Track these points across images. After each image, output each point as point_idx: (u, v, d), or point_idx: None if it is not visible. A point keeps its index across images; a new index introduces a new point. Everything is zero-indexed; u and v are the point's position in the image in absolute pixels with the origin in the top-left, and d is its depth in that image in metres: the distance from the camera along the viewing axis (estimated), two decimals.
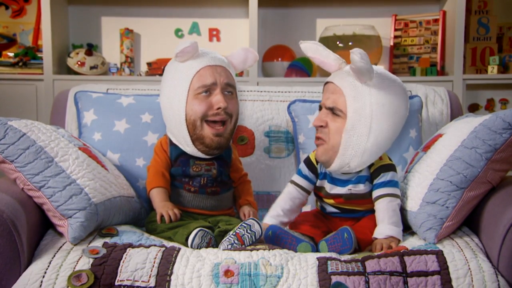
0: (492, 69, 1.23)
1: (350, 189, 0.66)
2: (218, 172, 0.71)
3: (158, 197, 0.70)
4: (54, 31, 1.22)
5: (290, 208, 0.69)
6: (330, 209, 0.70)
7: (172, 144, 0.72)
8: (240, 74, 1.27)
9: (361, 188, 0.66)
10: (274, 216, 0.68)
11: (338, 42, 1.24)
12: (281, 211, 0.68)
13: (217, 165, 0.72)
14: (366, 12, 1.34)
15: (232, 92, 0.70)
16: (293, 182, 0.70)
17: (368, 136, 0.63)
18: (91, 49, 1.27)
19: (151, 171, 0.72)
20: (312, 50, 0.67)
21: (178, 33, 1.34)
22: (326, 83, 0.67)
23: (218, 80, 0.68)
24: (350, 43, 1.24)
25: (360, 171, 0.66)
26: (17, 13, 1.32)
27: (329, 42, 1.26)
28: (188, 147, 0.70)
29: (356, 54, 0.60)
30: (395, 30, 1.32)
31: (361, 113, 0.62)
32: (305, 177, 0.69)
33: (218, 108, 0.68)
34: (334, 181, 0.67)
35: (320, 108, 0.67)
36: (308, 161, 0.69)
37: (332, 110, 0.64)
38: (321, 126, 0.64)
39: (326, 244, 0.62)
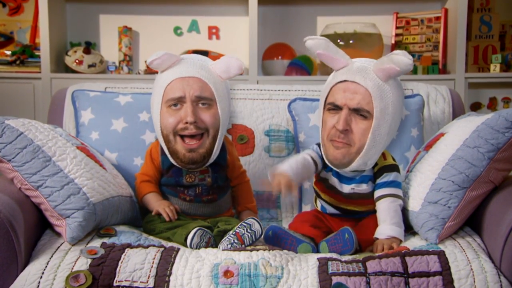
0: (495, 68, 1.22)
1: (353, 189, 0.65)
2: (213, 179, 0.70)
3: (153, 198, 0.70)
4: (52, 29, 1.21)
5: (301, 171, 0.63)
6: (331, 210, 0.68)
7: (163, 153, 0.70)
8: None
9: (364, 187, 0.65)
10: (289, 169, 0.61)
11: (339, 40, 1.23)
12: (296, 169, 0.62)
13: (211, 172, 0.70)
14: (367, 9, 1.32)
15: (209, 104, 0.67)
16: (307, 153, 0.66)
17: (388, 134, 0.62)
18: (89, 47, 1.26)
19: (139, 179, 0.72)
20: (322, 46, 0.63)
21: (177, 31, 1.33)
22: (343, 81, 0.63)
23: (187, 93, 0.66)
24: (351, 41, 1.23)
25: (364, 170, 0.65)
26: (14, 10, 1.31)
27: (329, 40, 1.25)
28: (171, 159, 0.69)
29: (408, 56, 0.59)
30: (397, 28, 1.31)
31: (385, 113, 0.61)
32: (320, 156, 0.65)
33: (185, 123, 0.65)
34: (340, 177, 0.65)
35: (337, 107, 0.62)
36: (319, 146, 0.66)
37: (357, 111, 0.61)
38: (346, 130, 0.62)
39: (327, 245, 0.61)
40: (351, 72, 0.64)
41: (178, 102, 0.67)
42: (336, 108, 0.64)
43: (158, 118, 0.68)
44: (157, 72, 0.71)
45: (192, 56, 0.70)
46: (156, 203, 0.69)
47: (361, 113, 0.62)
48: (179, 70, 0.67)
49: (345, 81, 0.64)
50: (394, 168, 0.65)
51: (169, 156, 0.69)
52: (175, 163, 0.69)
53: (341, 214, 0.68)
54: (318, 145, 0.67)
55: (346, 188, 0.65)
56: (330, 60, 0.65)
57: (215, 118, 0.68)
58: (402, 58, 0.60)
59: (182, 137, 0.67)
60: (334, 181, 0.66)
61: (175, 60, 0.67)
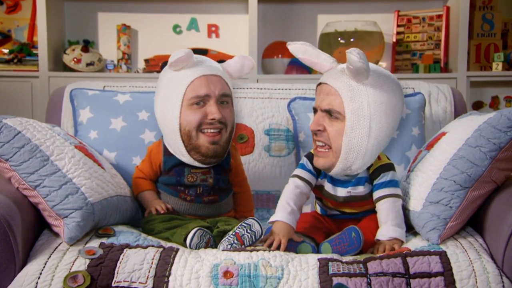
0: (497, 66, 1.21)
1: (350, 192, 0.64)
2: (215, 180, 0.70)
3: (149, 197, 0.70)
4: (50, 27, 1.20)
5: (300, 203, 0.64)
6: (331, 211, 0.68)
7: (166, 154, 0.70)
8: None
9: (360, 190, 0.64)
10: (290, 212, 0.61)
11: (339, 39, 1.22)
12: (295, 206, 0.62)
13: (213, 173, 0.70)
14: (368, 7, 1.31)
15: (227, 102, 0.69)
16: (297, 176, 0.66)
17: (368, 136, 0.61)
18: (87, 45, 1.25)
19: (136, 174, 0.72)
20: (302, 51, 0.64)
21: (176, 29, 1.32)
22: (319, 84, 0.64)
23: (212, 91, 0.67)
24: (351, 40, 1.22)
25: (354, 174, 0.64)
26: (12, 8, 1.30)
27: (330, 38, 1.24)
28: (184, 157, 0.69)
29: (355, 54, 0.58)
30: (398, 26, 1.30)
31: (359, 114, 0.61)
32: (309, 171, 0.66)
33: (212, 119, 0.67)
34: (334, 181, 0.65)
35: (315, 110, 0.64)
36: (310, 156, 0.66)
37: (329, 113, 0.62)
38: (319, 130, 0.62)
39: (330, 246, 0.60)
40: (327, 75, 0.64)
41: (202, 99, 0.67)
42: (315, 111, 0.64)
43: (176, 115, 0.67)
44: (157, 71, 0.72)
45: (204, 57, 0.71)
46: (151, 202, 0.70)
47: (333, 114, 0.62)
48: (201, 68, 0.67)
49: (320, 84, 0.64)
50: (390, 167, 0.65)
51: (186, 154, 0.68)
52: (191, 161, 0.68)
53: (340, 215, 0.68)
54: (307, 156, 0.67)
55: (342, 192, 0.65)
56: (313, 64, 0.65)
57: (232, 114, 0.70)
58: (350, 56, 0.58)
59: (202, 132, 0.67)
60: (329, 187, 0.65)
61: (193, 59, 0.68)
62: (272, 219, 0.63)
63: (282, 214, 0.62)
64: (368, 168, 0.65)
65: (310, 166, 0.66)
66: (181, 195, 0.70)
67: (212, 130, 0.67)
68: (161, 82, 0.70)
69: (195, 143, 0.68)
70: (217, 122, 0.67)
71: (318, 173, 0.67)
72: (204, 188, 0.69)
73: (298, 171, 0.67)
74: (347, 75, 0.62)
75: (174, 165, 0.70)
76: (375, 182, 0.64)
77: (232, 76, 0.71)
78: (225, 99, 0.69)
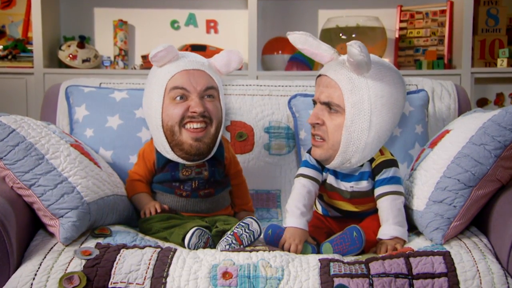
0: (502, 62, 1.19)
1: (353, 187, 0.63)
2: (210, 173, 0.69)
3: (144, 199, 0.69)
4: (45, 22, 1.18)
5: (309, 203, 0.62)
6: (333, 213, 0.67)
7: (158, 151, 0.70)
8: (239, 67, 1.23)
9: (364, 185, 0.63)
10: (300, 215, 0.60)
11: (341, 34, 1.21)
12: (304, 208, 0.61)
13: (208, 166, 0.69)
14: (370, 2, 1.29)
15: (213, 96, 0.68)
16: (301, 175, 0.64)
17: (368, 130, 0.60)
18: (83, 41, 1.24)
19: (131, 177, 0.71)
20: (301, 41, 0.62)
21: (174, 24, 1.30)
22: (319, 76, 0.63)
23: (193, 86, 0.66)
24: (353, 35, 1.20)
25: (362, 166, 0.63)
26: (6, 3, 1.28)
27: (331, 34, 1.22)
28: (168, 154, 0.68)
29: (355, 47, 0.56)
30: (401, 21, 1.28)
31: (359, 107, 0.59)
32: (313, 167, 0.64)
33: (194, 112, 0.65)
34: (337, 174, 0.64)
35: (314, 103, 0.62)
36: None
37: (328, 106, 0.60)
38: (317, 124, 0.61)
39: (331, 245, 0.59)
40: (327, 66, 0.62)
41: (183, 94, 0.66)
42: (314, 103, 0.63)
43: (159, 111, 0.66)
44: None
45: (189, 53, 0.71)
46: (146, 204, 0.69)
47: (332, 107, 0.60)
48: (183, 63, 0.67)
49: (320, 75, 0.63)
50: (393, 163, 0.63)
51: (170, 151, 0.67)
52: (175, 158, 0.68)
53: (342, 216, 0.67)
54: (309, 152, 0.65)
55: (345, 187, 0.64)
56: (313, 55, 0.63)
57: (218, 109, 0.69)
58: (351, 49, 0.56)
59: (186, 128, 0.66)
60: (332, 179, 0.64)
61: (175, 54, 0.67)
62: (284, 226, 0.62)
63: (292, 219, 0.61)
64: (371, 163, 0.63)
65: (313, 161, 0.65)
66: (176, 191, 0.69)
67: (195, 126, 0.65)
68: (148, 79, 0.70)
69: (178, 139, 0.66)
70: (200, 116, 0.65)
71: (323, 167, 0.65)
72: (199, 182, 0.68)
73: (302, 170, 0.65)
74: (347, 67, 0.60)
75: (167, 161, 0.69)
76: (377, 178, 0.63)
77: (219, 72, 0.69)
78: (209, 93, 0.67)
